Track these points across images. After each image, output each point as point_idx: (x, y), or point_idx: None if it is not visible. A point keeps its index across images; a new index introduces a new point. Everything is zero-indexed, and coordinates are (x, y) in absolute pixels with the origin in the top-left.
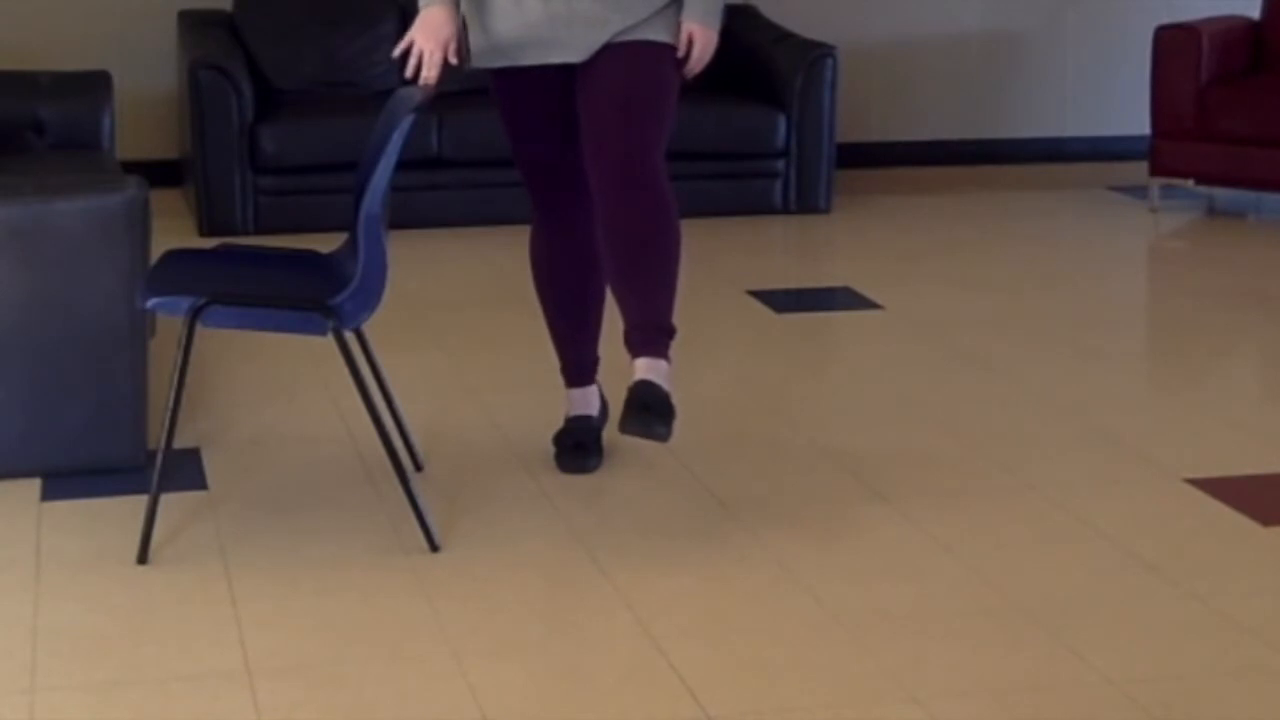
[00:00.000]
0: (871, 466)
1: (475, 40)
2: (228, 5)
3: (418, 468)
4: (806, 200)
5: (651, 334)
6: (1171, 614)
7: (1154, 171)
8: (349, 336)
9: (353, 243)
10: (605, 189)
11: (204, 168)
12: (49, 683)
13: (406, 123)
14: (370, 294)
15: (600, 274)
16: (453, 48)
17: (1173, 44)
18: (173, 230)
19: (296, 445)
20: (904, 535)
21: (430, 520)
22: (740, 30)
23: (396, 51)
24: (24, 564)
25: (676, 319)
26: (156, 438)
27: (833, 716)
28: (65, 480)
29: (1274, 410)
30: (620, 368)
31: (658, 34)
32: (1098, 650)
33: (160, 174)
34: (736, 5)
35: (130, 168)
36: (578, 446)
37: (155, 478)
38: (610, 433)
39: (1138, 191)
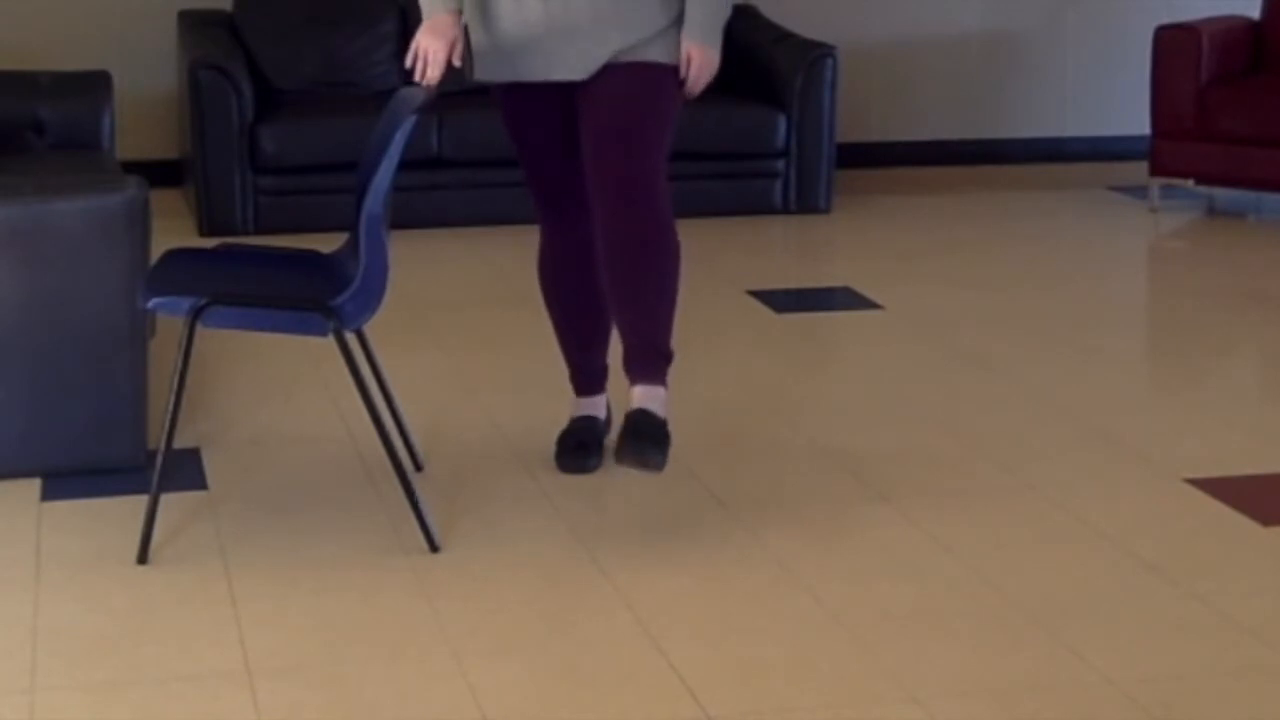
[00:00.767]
0: (871, 466)
1: (478, 41)
2: (228, 5)
3: (418, 468)
4: (806, 200)
5: (649, 359)
6: (1171, 614)
7: (1154, 171)
8: (350, 336)
9: (354, 243)
10: (605, 215)
11: (204, 168)
12: (49, 683)
13: (409, 123)
14: (371, 295)
15: (595, 292)
16: (457, 50)
17: (1173, 44)
18: (173, 230)
19: (296, 445)
20: (904, 535)
21: (430, 520)
22: (740, 30)
23: (408, 60)
24: (24, 564)
25: (678, 316)
26: (156, 438)
27: (833, 716)
28: (65, 480)
29: (1274, 410)
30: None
31: (659, 55)
32: (1098, 650)
33: (160, 174)
34: (737, 5)
35: (130, 168)
36: (579, 446)
37: (155, 478)
38: (611, 434)
39: (1138, 191)
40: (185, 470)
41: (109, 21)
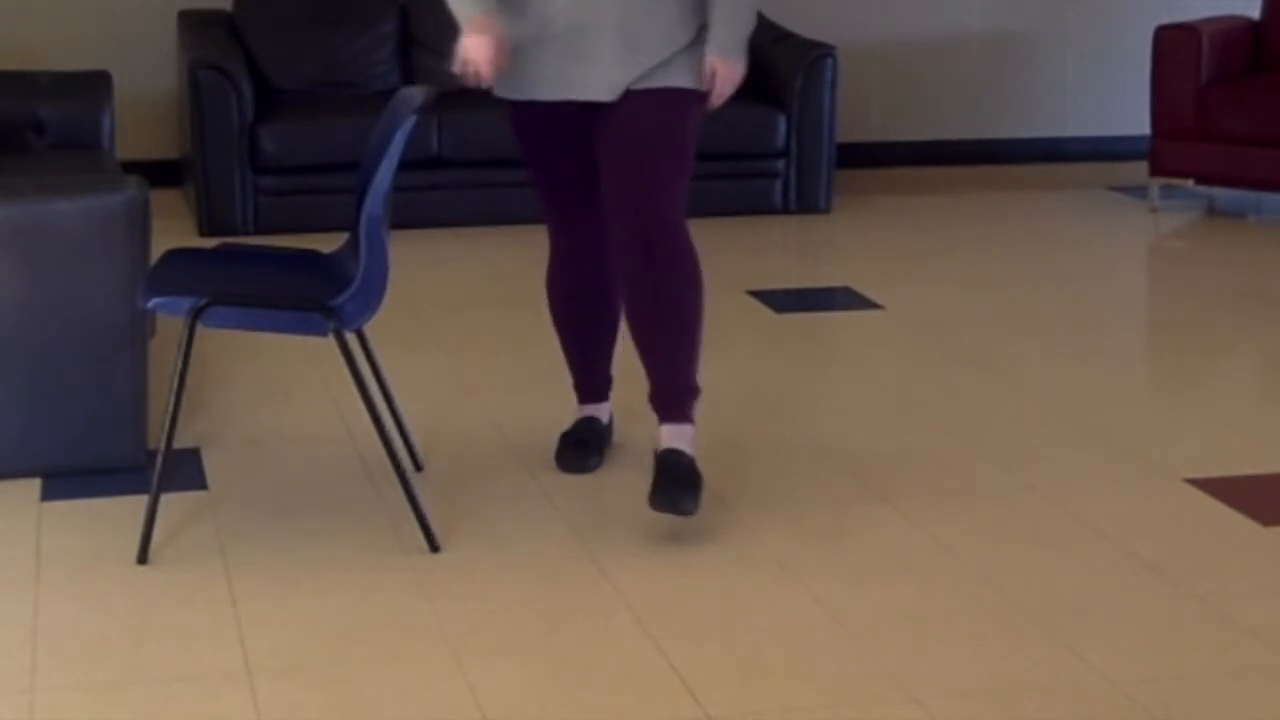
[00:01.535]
0: (871, 466)
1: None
2: (228, 5)
3: (418, 468)
4: (807, 200)
5: (676, 398)
6: (1171, 614)
7: (1154, 171)
8: (350, 336)
9: (354, 243)
10: (625, 258)
11: (204, 168)
12: (49, 683)
13: (409, 123)
14: (371, 295)
15: (614, 299)
16: (505, 46)
17: (1173, 44)
18: (173, 230)
19: (296, 445)
20: (904, 535)
21: (430, 520)
22: None
23: (457, 66)
24: (24, 564)
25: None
26: (156, 438)
27: (833, 717)
28: (65, 480)
29: (1274, 410)
30: (630, 379)
31: (681, 79)
32: (1098, 650)
33: (160, 174)
34: None
35: (130, 168)
36: (579, 444)
37: (155, 477)
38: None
39: (1138, 191)
40: (185, 470)
41: (109, 21)
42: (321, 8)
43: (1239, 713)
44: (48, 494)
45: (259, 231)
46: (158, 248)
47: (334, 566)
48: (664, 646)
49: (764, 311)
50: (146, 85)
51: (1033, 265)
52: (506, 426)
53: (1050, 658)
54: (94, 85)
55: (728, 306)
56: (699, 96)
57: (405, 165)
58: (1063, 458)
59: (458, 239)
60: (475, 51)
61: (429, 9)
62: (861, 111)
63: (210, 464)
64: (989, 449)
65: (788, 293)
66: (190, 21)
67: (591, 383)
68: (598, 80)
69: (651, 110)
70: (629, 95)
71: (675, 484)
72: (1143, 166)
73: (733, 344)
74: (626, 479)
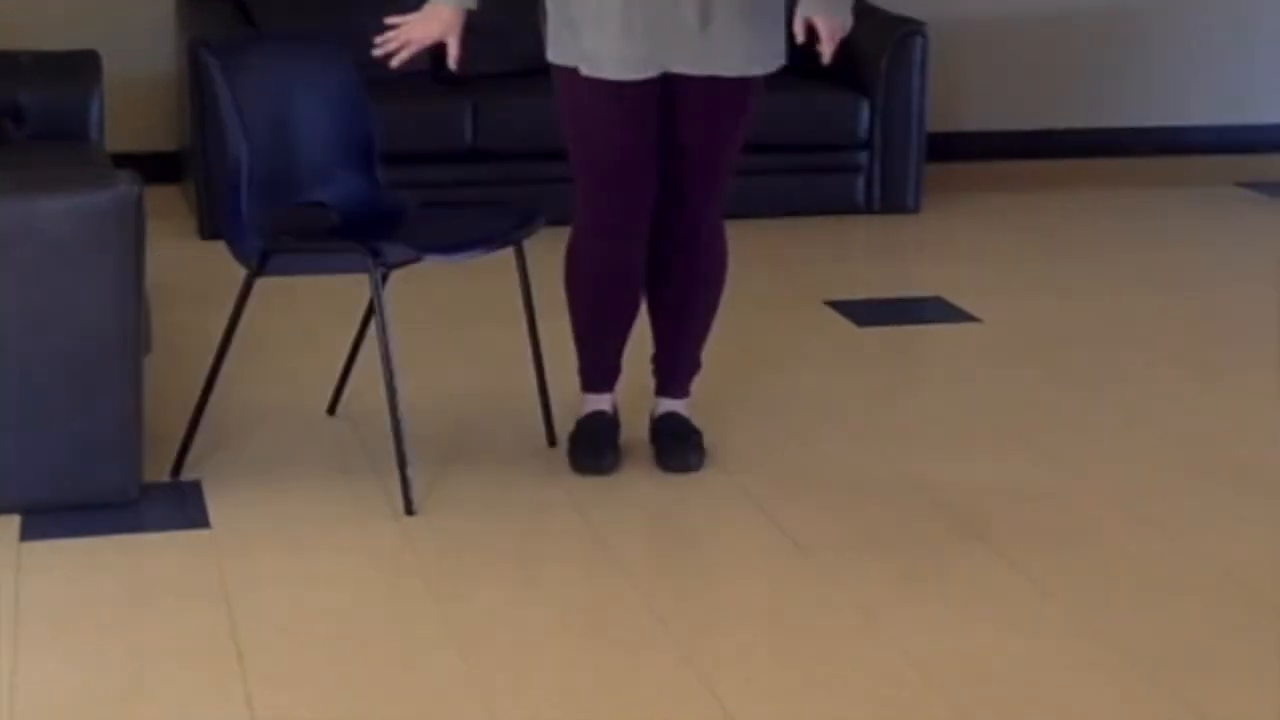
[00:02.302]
0: (966, 501)
1: (565, 23)
2: None
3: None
4: (893, 198)
5: (685, 377)
6: None
7: None
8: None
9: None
10: (674, 237)
11: (205, 161)
12: None
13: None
14: None
15: (640, 282)
16: (452, 46)
17: None
18: (170, 231)
19: (302, 477)
20: (1002, 579)
21: (459, 565)
22: None
23: (381, 38)
24: (1, 613)
25: (747, 330)
26: (150, 469)
27: None
28: (47, 517)
29: None
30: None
31: (760, 61)
32: (1222, 710)
33: (156, 168)
34: None
35: (122, 161)
36: (592, 443)
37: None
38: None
39: (1272, 188)
40: (186, 505)
41: None
42: None
43: None
44: (27, 533)
45: None
46: (153, 251)
47: (352, 620)
48: (729, 706)
49: (844, 324)
50: (140, 67)
51: (1150, 272)
52: (555, 460)
53: (1168, 718)
54: (80, 67)
55: (803, 319)
56: (761, 86)
57: (436, 157)
58: (1184, 491)
59: None
60: (409, 41)
61: None
62: (955, 97)
63: (212, 498)
64: (1099, 481)
65: (871, 303)
66: None
67: (602, 369)
68: (681, 52)
69: (731, 106)
70: (707, 83)
71: (682, 443)
72: (1278, 160)
73: (809, 361)
74: (687, 515)
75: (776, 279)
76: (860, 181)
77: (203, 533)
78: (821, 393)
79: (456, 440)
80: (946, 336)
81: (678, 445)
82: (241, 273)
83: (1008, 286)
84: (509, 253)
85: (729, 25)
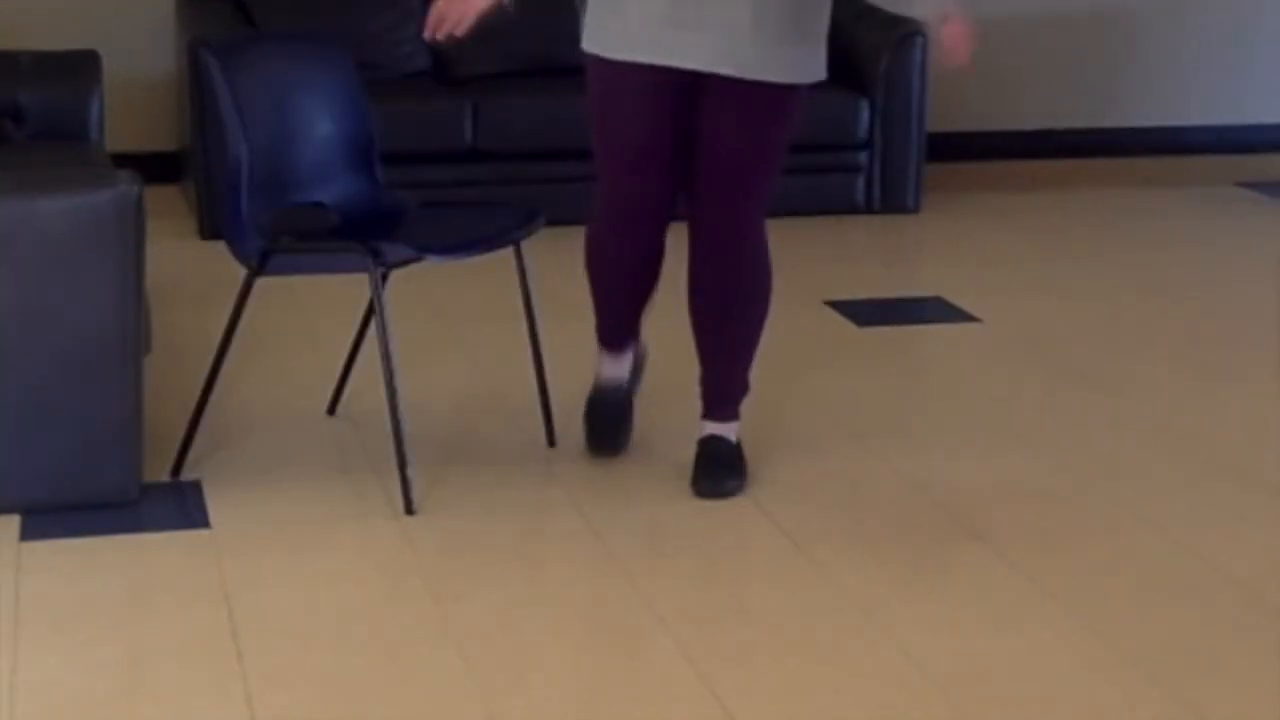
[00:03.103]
0: (966, 501)
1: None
2: None
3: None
4: (892, 198)
5: (730, 399)
6: None
7: None
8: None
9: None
10: (703, 253)
11: (205, 161)
12: None
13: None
14: None
15: (660, 264)
16: (466, 23)
17: None
18: (170, 231)
19: (302, 477)
20: (1003, 579)
21: (459, 565)
22: None
23: (430, 21)
24: (1, 613)
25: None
26: (150, 469)
27: None
28: (48, 517)
29: None
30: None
31: (799, 70)
32: (1223, 711)
33: (156, 168)
34: None
35: (122, 161)
36: (607, 420)
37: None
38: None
39: (1272, 188)
40: (186, 505)
41: None
42: None
43: None
44: (27, 533)
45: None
46: (153, 251)
47: (353, 618)
48: (730, 707)
49: (844, 325)
50: (140, 67)
51: (1151, 272)
52: (554, 460)
53: (1168, 718)
54: (80, 67)
55: (803, 319)
56: (804, 93)
57: (435, 157)
58: (1184, 491)
59: None
60: (449, 18)
61: None
62: (955, 97)
63: (213, 498)
64: (1099, 481)
65: (871, 303)
66: None
67: (625, 326)
68: (713, 49)
69: (763, 109)
70: (742, 85)
71: (721, 467)
72: (1278, 160)
73: (809, 362)
74: (686, 517)
75: (776, 279)
76: (860, 181)
77: (203, 533)
78: (821, 393)
79: (456, 440)
80: (946, 336)
81: (711, 469)
82: (241, 273)
83: (1008, 286)
84: (509, 253)
85: (780, 32)
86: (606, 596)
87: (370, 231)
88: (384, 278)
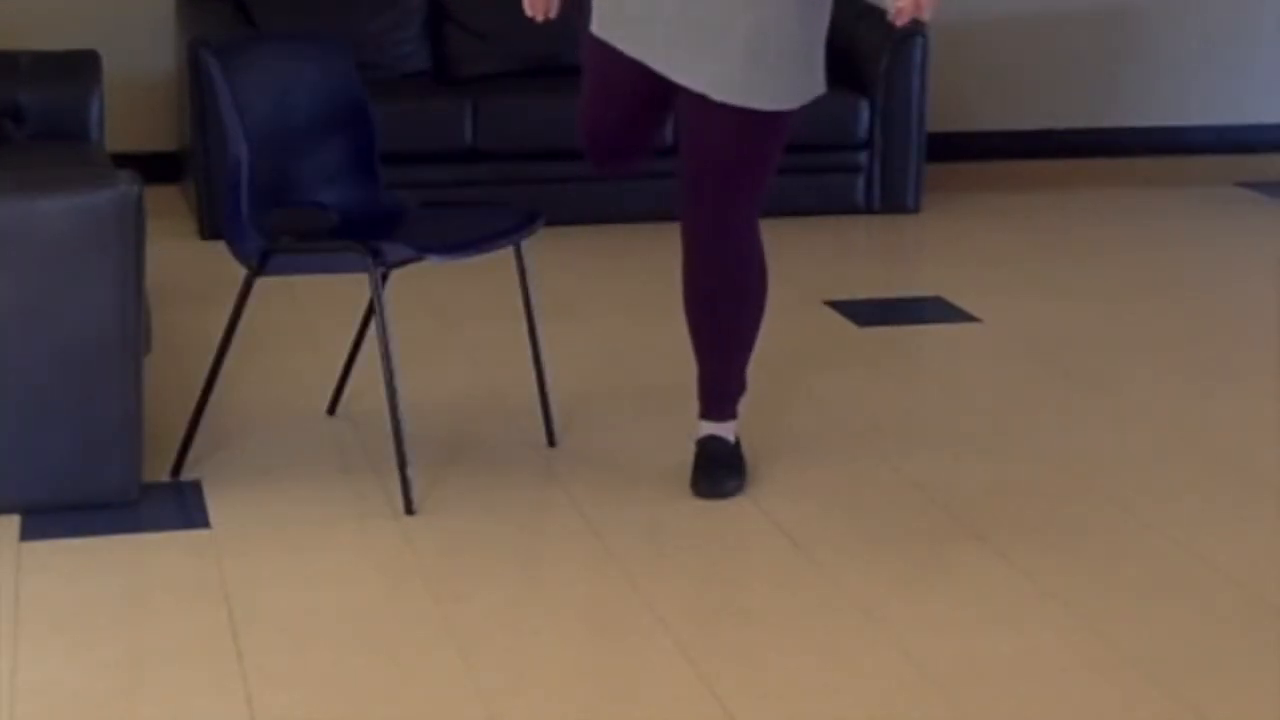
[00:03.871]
0: (966, 501)
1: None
2: None
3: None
4: (892, 198)
5: (726, 398)
6: None
7: None
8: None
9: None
10: (692, 256)
11: (206, 161)
12: None
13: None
14: None
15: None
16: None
17: None
18: (170, 231)
19: (302, 477)
20: (1003, 579)
21: (461, 565)
22: None
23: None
24: (1, 613)
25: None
26: (150, 468)
27: None
28: (47, 517)
29: None
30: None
31: (784, 97)
32: (1223, 711)
33: (156, 168)
34: None
35: (122, 161)
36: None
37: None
38: (667, 457)
39: (1272, 188)
40: (186, 506)
41: None
42: None
43: None
44: (27, 533)
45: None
46: (153, 251)
47: (354, 619)
48: (730, 707)
49: (844, 325)
50: (140, 67)
51: (1151, 273)
52: (554, 459)
53: (1168, 718)
54: (80, 67)
55: (803, 319)
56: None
57: (436, 157)
58: (1185, 492)
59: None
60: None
61: None
62: (955, 97)
63: (213, 498)
64: (1100, 482)
65: (871, 304)
66: None
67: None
68: (709, 76)
69: (744, 132)
70: (725, 109)
71: (720, 467)
72: (1278, 160)
73: (808, 362)
74: (685, 517)
75: (776, 279)
76: (860, 181)
77: (203, 533)
78: (821, 393)
79: (456, 440)
80: (946, 336)
81: (711, 469)
82: (241, 273)
83: (1008, 286)
84: (509, 253)
85: (777, 63)
86: (606, 596)
87: (370, 231)
88: (384, 278)
